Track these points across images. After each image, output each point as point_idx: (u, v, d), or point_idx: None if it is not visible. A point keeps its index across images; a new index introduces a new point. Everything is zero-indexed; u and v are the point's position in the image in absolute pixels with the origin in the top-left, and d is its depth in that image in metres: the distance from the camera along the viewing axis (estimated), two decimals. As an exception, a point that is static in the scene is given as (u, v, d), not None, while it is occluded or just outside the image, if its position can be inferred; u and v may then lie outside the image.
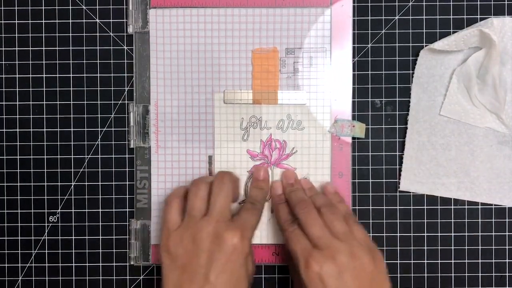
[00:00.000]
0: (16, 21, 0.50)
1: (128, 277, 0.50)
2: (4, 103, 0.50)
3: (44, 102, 0.50)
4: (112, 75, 0.50)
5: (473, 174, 0.49)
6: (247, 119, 0.49)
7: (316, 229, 0.42)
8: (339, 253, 0.40)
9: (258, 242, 0.49)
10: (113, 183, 0.50)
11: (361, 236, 0.43)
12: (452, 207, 0.50)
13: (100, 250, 0.50)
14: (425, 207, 0.50)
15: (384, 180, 0.50)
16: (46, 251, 0.50)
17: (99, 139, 0.50)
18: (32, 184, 0.50)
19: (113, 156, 0.50)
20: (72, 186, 0.50)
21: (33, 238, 0.50)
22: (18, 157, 0.50)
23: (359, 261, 0.40)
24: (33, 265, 0.50)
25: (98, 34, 0.50)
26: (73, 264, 0.50)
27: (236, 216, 0.44)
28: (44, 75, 0.50)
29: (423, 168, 0.49)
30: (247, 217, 0.44)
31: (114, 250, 0.50)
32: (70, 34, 0.50)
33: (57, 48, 0.50)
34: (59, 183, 0.50)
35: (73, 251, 0.50)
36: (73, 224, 0.50)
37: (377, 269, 0.41)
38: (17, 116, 0.50)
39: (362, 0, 0.50)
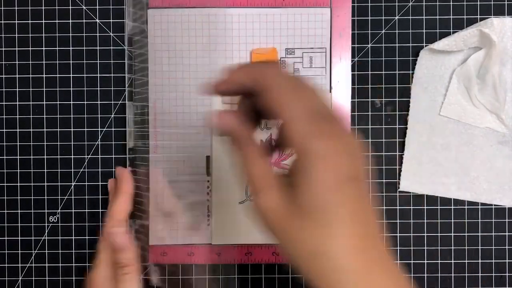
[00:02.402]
0: (16, 21, 0.50)
1: (128, 277, 0.50)
2: (4, 103, 0.50)
3: (44, 102, 0.50)
4: (112, 75, 0.50)
5: (473, 174, 0.49)
6: (247, 119, 0.49)
7: None
8: None
9: (258, 242, 0.49)
10: (113, 183, 0.50)
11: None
12: (452, 207, 0.50)
13: (100, 250, 0.50)
14: (425, 207, 0.50)
15: (384, 180, 0.50)
16: (46, 251, 0.50)
17: (99, 139, 0.50)
18: (32, 184, 0.50)
19: (113, 156, 0.50)
20: (72, 186, 0.50)
21: (33, 238, 0.50)
22: (18, 157, 0.50)
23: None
24: (33, 265, 0.50)
25: (98, 34, 0.50)
26: (73, 264, 0.50)
27: None
28: (44, 75, 0.50)
29: (423, 168, 0.49)
30: None
31: (114, 250, 0.50)
32: (70, 34, 0.50)
33: (57, 48, 0.50)
34: (59, 183, 0.50)
35: (73, 251, 0.50)
36: (73, 224, 0.50)
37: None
38: (17, 116, 0.50)
39: (362, 0, 0.50)
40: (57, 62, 0.50)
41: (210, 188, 0.49)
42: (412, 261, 0.50)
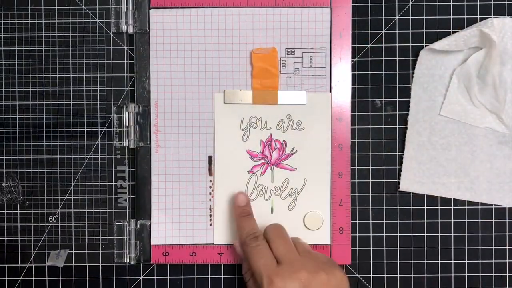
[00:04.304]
0: (16, 21, 0.50)
1: (128, 277, 0.50)
2: (3, 102, 0.50)
3: (44, 102, 0.50)
4: (112, 75, 0.50)
5: (473, 174, 0.49)
6: (247, 119, 0.49)
7: (284, 245, 0.43)
8: (304, 269, 0.40)
9: (258, 242, 0.49)
10: (113, 183, 0.50)
11: (321, 254, 0.44)
12: (452, 207, 0.50)
13: (100, 250, 0.50)
14: (425, 207, 0.50)
15: (384, 180, 0.50)
16: (46, 251, 0.50)
17: (98, 139, 0.50)
18: (32, 184, 0.50)
19: (113, 156, 0.50)
20: (72, 186, 0.50)
21: (33, 238, 0.50)
22: (18, 156, 0.50)
23: (323, 277, 0.41)
24: (33, 265, 0.50)
25: (98, 34, 0.50)
26: (73, 264, 0.50)
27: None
28: (43, 75, 0.50)
29: (423, 168, 0.49)
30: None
31: (114, 250, 0.50)
32: (70, 34, 0.50)
33: (56, 47, 0.50)
34: (59, 183, 0.50)
35: (73, 251, 0.50)
36: (73, 224, 0.50)
37: (341, 285, 0.41)
38: (17, 116, 0.50)
39: (362, 0, 0.50)
40: (57, 61, 0.50)
41: (212, 188, 0.49)
42: (412, 261, 0.50)
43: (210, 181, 0.49)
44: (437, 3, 0.49)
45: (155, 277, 0.50)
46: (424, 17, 0.50)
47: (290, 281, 0.40)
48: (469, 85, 0.48)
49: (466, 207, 0.50)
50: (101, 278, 0.50)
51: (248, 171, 0.49)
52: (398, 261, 0.50)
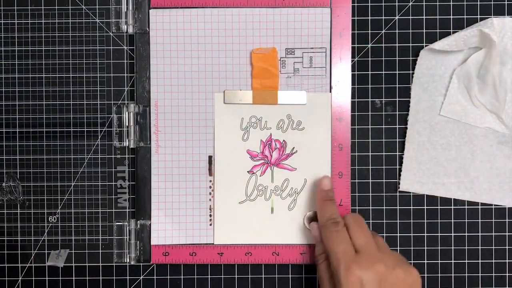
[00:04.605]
0: (16, 21, 0.50)
1: (128, 277, 0.50)
2: (3, 102, 0.50)
3: (44, 102, 0.50)
4: (112, 75, 0.50)
5: (473, 174, 0.49)
6: (247, 119, 0.49)
7: (364, 236, 0.43)
8: (382, 262, 0.41)
9: (259, 242, 0.49)
10: (113, 183, 0.50)
11: (396, 253, 0.44)
12: (452, 207, 0.50)
13: (100, 250, 0.50)
14: (425, 207, 0.50)
15: (384, 180, 0.50)
16: (46, 251, 0.50)
17: (98, 139, 0.50)
18: (32, 184, 0.50)
19: (113, 156, 0.50)
20: (72, 186, 0.50)
21: (33, 238, 0.50)
22: (18, 156, 0.50)
23: (400, 273, 0.41)
24: (33, 265, 0.50)
25: (98, 34, 0.50)
26: (73, 264, 0.50)
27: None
28: (43, 75, 0.50)
29: (423, 168, 0.49)
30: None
31: (114, 250, 0.50)
32: (70, 34, 0.50)
33: (56, 48, 0.50)
34: (59, 183, 0.50)
35: (73, 251, 0.50)
36: (73, 224, 0.50)
37: (415, 283, 0.42)
38: (17, 116, 0.50)
39: (362, 0, 0.50)
40: (57, 61, 0.50)
41: (212, 188, 0.49)
42: (412, 261, 0.50)
43: (210, 181, 0.49)
44: (437, 3, 0.50)
45: (155, 277, 0.50)
46: (424, 17, 0.50)
47: (368, 272, 0.40)
48: (469, 85, 0.48)
49: (466, 207, 0.50)
50: (101, 278, 0.50)
51: (248, 171, 0.49)
52: (398, 261, 0.50)
